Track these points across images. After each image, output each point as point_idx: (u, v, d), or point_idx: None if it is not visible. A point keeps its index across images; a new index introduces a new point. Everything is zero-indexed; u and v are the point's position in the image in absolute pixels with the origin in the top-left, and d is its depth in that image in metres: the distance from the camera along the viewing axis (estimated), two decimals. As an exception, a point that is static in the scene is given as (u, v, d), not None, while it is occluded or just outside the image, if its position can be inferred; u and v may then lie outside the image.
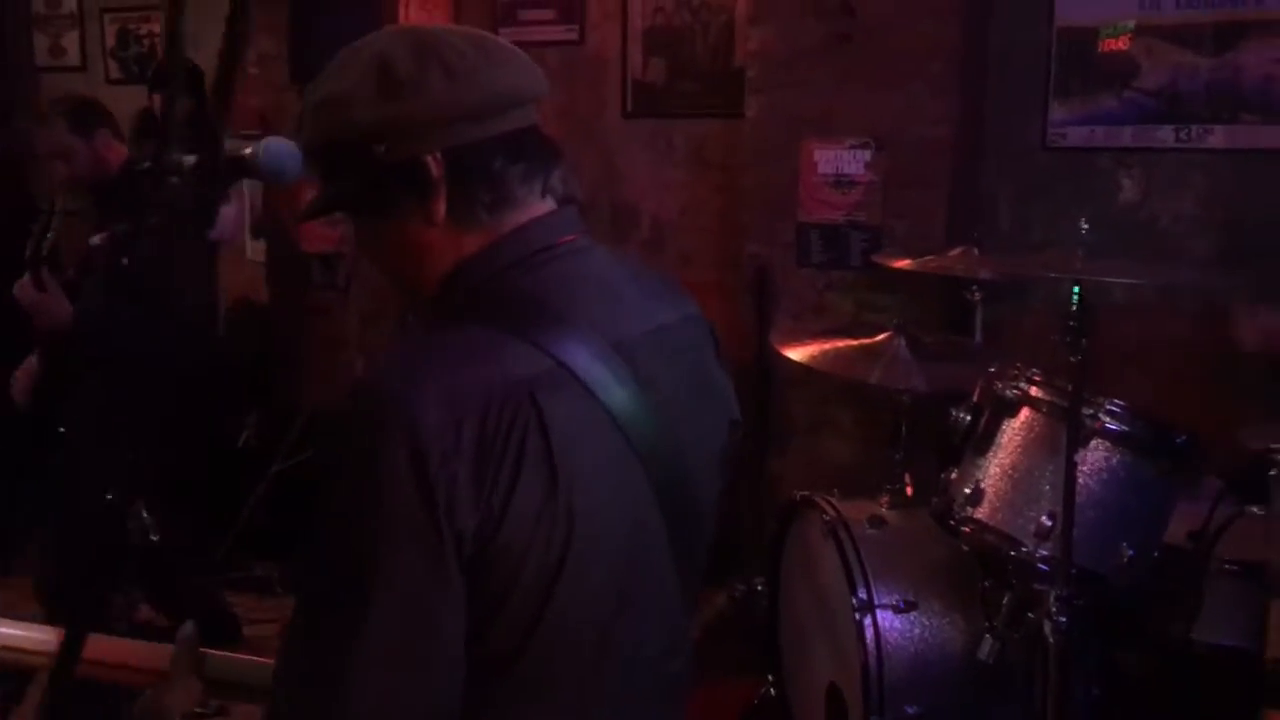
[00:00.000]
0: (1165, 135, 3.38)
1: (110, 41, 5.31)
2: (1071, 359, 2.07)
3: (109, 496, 1.75)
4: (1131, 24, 3.38)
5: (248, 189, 4.48)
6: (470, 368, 1.06)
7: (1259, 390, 2.88)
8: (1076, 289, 2.04)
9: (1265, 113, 3.26)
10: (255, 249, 4.67)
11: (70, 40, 5.38)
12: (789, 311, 3.61)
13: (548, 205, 1.19)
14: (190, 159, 1.55)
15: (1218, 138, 3.32)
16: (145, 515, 1.80)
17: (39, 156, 3.53)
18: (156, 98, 3.89)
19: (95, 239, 2.94)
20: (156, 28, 5.21)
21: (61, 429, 2.95)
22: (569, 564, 1.06)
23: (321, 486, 1.04)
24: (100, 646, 1.32)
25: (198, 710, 1.25)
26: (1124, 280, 2.32)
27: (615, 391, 1.11)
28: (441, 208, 1.14)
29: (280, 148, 1.23)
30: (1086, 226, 2.10)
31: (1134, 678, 2.48)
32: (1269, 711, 1.46)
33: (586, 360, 1.10)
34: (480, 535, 1.01)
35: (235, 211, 3.89)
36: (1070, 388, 2.10)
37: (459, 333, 1.12)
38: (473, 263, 1.15)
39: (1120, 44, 3.41)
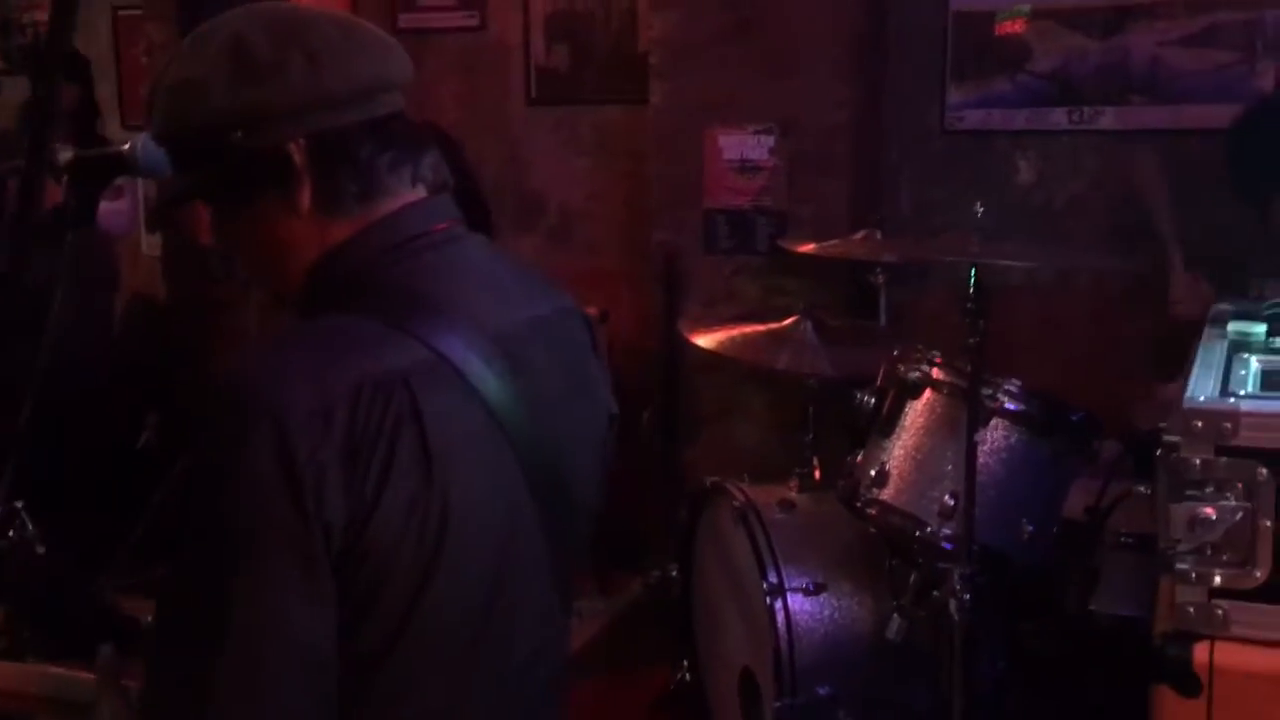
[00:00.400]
0: (1058, 117, 3.45)
1: (-9, 31, 5.11)
2: (970, 340, 2.10)
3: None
4: (1027, 8, 3.44)
5: (141, 182, 4.36)
6: (342, 357, 1.02)
7: (1150, 370, 2.96)
8: (973, 271, 2.07)
9: (1151, 94, 3.35)
10: (151, 243, 4.53)
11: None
12: (698, 299, 3.62)
13: (419, 193, 1.15)
14: (67, 153, 1.51)
15: (1108, 119, 3.40)
16: (29, 526, 1.73)
17: None
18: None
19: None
20: (42, 15, 5.03)
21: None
22: (444, 556, 1.04)
23: (187, 483, 1.00)
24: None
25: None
26: (1018, 263, 2.37)
27: (491, 383, 1.09)
28: (306, 197, 1.10)
29: None
30: (982, 209, 2.13)
31: (1037, 650, 2.54)
32: (1157, 686, 1.50)
33: (463, 351, 1.07)
34: (351, 527, 0.98)
35: (128, 205, 3.78)
36: (969, 369, 2.13)
37: (330, 322, 1.08)
38: (341, 251, 1.11)
39: (1015, 27, 3.47)
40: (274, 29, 1.09)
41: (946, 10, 3.51)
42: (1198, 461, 1.50)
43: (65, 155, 1.48)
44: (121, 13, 4.85)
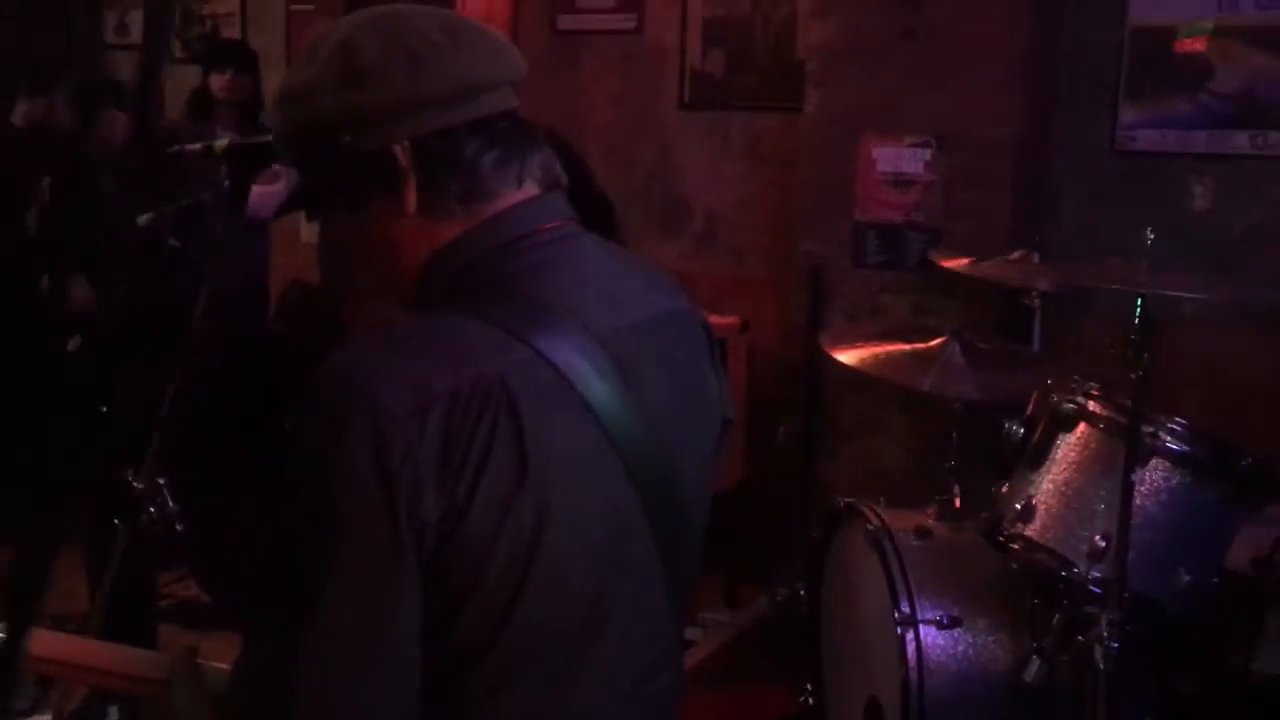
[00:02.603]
0: (1240, 141, 3.26)
1: (174, 21, 5.35)
2: (1132, 375, 1.98)
3: (131, 480, 1.74)
4: (1210, 25, 3.26)
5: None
6: (440, 355, 1.01)
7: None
8: (1140, 301, 1.95)
9: (1346, 120, 3.13)
10: (310, 231, 4.66)
11: (135, 19, 5.42)
12: (843, 312, 3.54)
13: (527, 193, 1.13)
14: (223, 140, 1.55)
15: (1296, 145, 3.19)
16: (170, 504, 1.79)
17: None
18: (213, 76, 3.90)
19: (142, 219, 2.95)
20: (219, 8, 5.24)
21: (104, 408, 2.97)
22: (540, 556, 1.02)
23: (286, 472, 1.01)
24: (78, 648, 1.29)
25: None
26: (1190, 294, 2.22)
27: (595, 385, 1.06)
28: (413, 198, 1.09)
29: None
30: (1153, 236, 2.00)
31: (1190, 706, 2.38)
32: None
33: (566, 351, 1.05)
34: (444, 525, 0.98)
35: (280, 190, 3.89)
36: (1130, 404, 2.01)
37: (433, 321, 1.08)
38: (447, 252, 1.10)
39: (1197, 45, 3.29)
40: (380, 33, 1.09)
41: (1124, 25, 3.35)
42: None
43: (222, 142, 1.53)
44: (294, 8, 5.02)
